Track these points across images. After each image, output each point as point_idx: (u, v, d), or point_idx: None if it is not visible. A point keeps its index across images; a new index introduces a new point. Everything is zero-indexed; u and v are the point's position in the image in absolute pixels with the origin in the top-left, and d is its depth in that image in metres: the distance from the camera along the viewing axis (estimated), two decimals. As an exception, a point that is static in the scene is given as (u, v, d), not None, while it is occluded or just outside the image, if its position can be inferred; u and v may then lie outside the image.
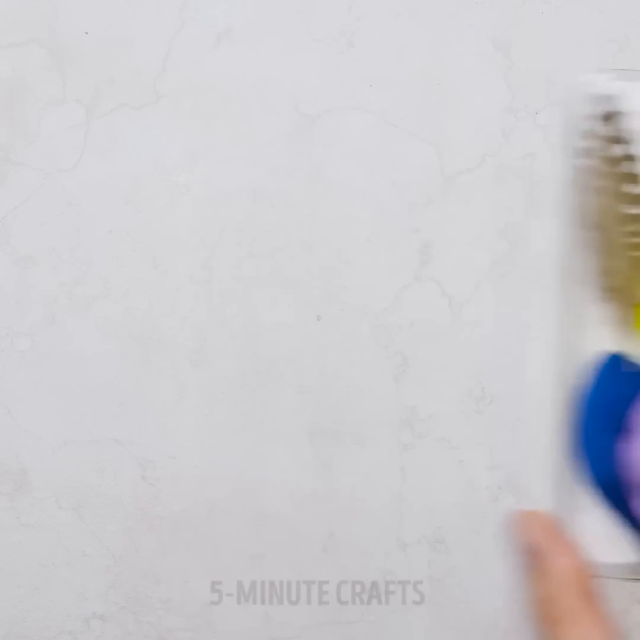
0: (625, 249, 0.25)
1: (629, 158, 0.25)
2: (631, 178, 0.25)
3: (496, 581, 0.43)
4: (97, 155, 0.45)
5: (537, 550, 0.26)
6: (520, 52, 0.45)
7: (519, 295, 0.44)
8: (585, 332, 0.26)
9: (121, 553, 0.44)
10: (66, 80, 0.45)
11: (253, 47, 0.45)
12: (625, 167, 0.26)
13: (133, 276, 0.44)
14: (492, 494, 0.43)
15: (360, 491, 0.44)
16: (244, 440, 0.44)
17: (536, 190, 0.44)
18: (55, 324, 0.44)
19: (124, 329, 0.44)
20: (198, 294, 0.43)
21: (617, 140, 0.25)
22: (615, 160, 0.25)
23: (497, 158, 0.45)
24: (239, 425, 0.41)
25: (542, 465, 0.43)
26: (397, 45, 0.45)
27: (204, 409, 0.44)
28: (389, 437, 0.42)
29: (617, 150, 0.26)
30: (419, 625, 0.44)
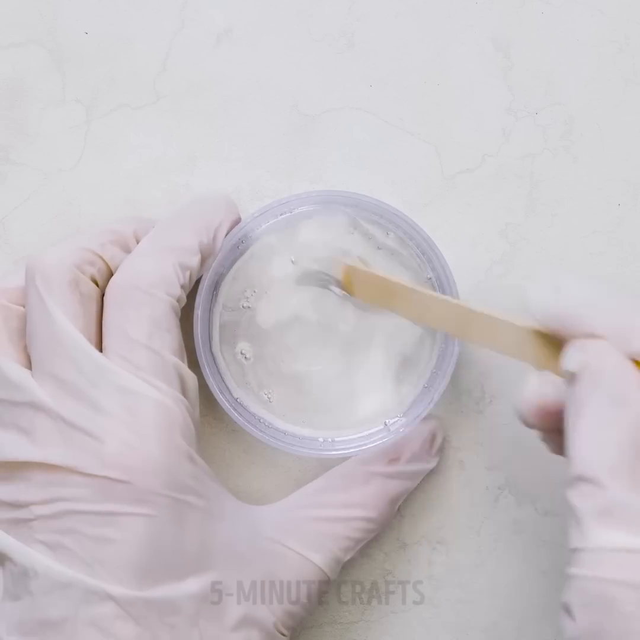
0: None
1: None
2: None
3: (496, 581, 0.43)
4: (97, 155, 0.45)
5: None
6: (520, 52, 0.45)
7: (519, 295, 0.44)
8: None
9: (121, 553, 0.44)
10: (66, 80, 0.45)
11: (253, 47, 0.45)
12: None
13: (133, 276, 0.44)
14: (492, 494, 0.43)
15: (360, 491, 0.44)
16: (244, 440, 0.44)
17: (536, 190, 0.44)
18: (55, 324, 0.44)
19: (124, 329, 0.44)
20: (198, 294, 0.43)
21: None
22: None
23: (497, 158, 0.45)
24: (239, 424, 0.41)
25: (542, 465, 0.43)
26: (397, 45, 0.45)
27: (204, 409, 0.44)
28: (389, 437, 0.42)
29: None
30: (419, 625, 0.44)
